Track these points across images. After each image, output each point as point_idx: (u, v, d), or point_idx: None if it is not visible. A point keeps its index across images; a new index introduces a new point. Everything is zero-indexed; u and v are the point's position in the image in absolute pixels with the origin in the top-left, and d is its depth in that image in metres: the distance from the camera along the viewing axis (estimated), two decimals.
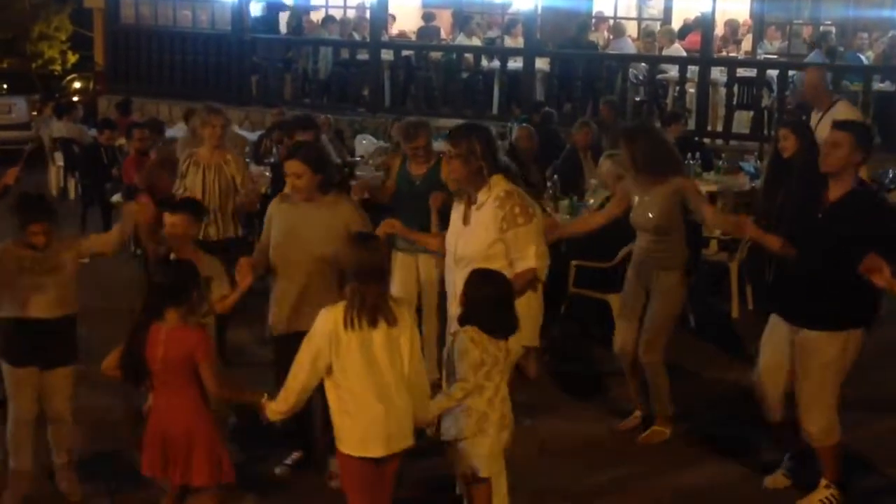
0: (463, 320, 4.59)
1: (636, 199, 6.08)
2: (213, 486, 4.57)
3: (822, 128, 7.63)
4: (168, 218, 5.44)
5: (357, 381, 4.27)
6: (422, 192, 6.51)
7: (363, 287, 4.28)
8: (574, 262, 7.82)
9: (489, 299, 4.55)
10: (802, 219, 5.29)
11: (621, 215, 6.25)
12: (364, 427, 4.28)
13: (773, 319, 5.48)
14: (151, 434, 4.56)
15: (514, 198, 5.03)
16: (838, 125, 5.29)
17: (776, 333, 5.44)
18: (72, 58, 24.47)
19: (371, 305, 4.26)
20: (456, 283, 4.98)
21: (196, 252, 5.40)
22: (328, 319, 4.30)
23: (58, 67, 23.97)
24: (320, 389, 4.40)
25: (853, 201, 5.05)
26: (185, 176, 7.10)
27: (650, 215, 5.99)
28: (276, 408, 4.44)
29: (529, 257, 5.00)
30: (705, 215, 6.13)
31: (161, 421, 4.53)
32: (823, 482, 5.33)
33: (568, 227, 6.54)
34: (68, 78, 21.81)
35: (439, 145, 11.35)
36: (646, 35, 15.95)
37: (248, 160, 9.75)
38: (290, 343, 5.51)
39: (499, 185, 5.06)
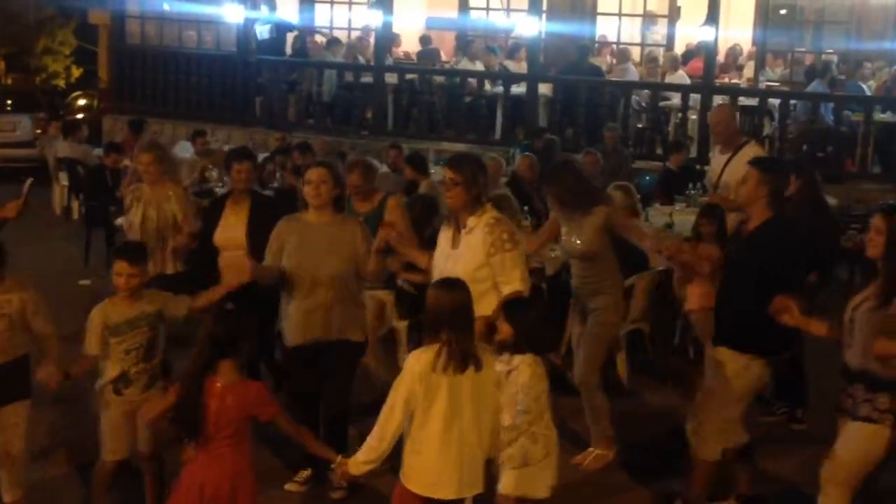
0: (516, 349, 4.65)
1: (564, 228, 6.39)
2: None
3: (729, 171, 7.70)
4: (125, 268, 5.06)
5: (437, 425, 4.25)
6: None
7: (455, 333, 4.25)
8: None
9: (536, 320, 4.72)
10: (729, 250, 5.67)
11: (551, 240, 6.79)
12: (437, 470, 4.29)
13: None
14: (188, 485, 4.37)
15: (502, 224, 5.34)
16: (748, 161, 5.73)
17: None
18: (76, 72, 24.51)
19: (462, 351, 4.26)
20: None
21: (141, 294, 5.16)
22: (419, 361, 4.27)
23: (61, 82, 23.98)
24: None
25: (763, 232, 5.32)
26: (129, 211, 7.13)
27: (577, 244, 6.28)
28: (365, 457, 4.35)
29: (516, 280, 5.25)
30: (636, 240, 6.57)
31: (202, 473, 4.35)
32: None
33: None
34: (73, 95, 21.82)
35: (441, 170, 11.48)
36: (648, 60, 16.01)
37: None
38: (303, 353, 5.78)
39: (489, 211, 5.37)
